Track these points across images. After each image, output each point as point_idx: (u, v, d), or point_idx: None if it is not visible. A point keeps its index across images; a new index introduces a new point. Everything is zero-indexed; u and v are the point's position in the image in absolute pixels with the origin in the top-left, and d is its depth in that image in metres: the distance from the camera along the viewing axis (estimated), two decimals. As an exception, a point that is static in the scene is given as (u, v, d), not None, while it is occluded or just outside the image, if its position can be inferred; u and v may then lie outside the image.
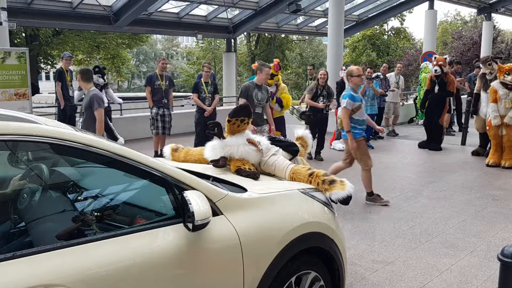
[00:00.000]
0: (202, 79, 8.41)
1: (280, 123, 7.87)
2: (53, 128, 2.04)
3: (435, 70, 9.33)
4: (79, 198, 2.40)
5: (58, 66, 10.27)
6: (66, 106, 8.79)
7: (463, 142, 10.09)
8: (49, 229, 2.09)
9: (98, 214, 2.28)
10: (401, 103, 12.01)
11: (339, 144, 9.61)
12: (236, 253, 2.25)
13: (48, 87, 31.80)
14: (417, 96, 12.62)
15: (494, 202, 5.77)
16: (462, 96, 13.04)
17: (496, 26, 32.66)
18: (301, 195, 2.88)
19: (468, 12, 41.43)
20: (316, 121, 8.34)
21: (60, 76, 8.81)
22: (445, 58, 9.64)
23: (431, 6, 17.87)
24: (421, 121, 12.50)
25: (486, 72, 8.62)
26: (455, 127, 12.58)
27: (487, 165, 7.88)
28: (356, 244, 4.46)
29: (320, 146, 8.59)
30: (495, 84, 7.89)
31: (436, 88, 9.36)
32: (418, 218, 5.28)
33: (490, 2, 20.94)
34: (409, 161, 8.74)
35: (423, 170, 7.93)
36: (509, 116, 7.58)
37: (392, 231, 4.83)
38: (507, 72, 7.70)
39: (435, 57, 9.90)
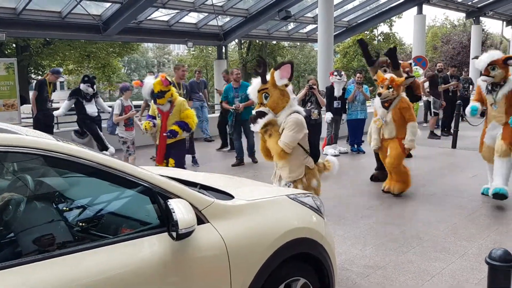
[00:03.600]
0: (174, 79, 8.37)
1: (177, 148, 6.16)
2: (37, 139, 2.03)
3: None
4: (63, 208, 2.38)
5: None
6: (41, 116, 8.79)
7: (454, 145, 10.13)
8: (34, 240, 2.07)
9: (83, 224, 2.27)
10: None
11: (331, 150, 9.60)
12: (223, 261, 2.23)
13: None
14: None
15: (484, 205, 5.78)
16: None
17: (485, 30, 33.07)
18: (290, 201, 2.87)
19: (456, 17, 41.91)
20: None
21: (41, 87, 8.80)
22: (410, 64, 9.29)
23: (420, 11, 18.01)
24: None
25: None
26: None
27: (383, 191, 6.43)
28: (347, 250, 4.45)
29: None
30: (376, 101, 6.39)
31: (403, 94, 9.13)
32: (409, 222, 5.28)
33: (478, 6, 21.16)
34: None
35: (414, 174, 7.92)
36: (408, 140, 6.13)
37: (384, 236, 4.82)
38: (380, 85, 6.13)
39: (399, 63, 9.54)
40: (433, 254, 4.32)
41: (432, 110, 12.11)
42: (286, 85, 4.16)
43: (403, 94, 6.28)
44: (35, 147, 1.93)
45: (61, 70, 11.51)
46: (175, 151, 6.10)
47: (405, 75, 6.84)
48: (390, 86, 6.00)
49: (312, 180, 4.18)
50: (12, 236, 2.09)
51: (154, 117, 6.13)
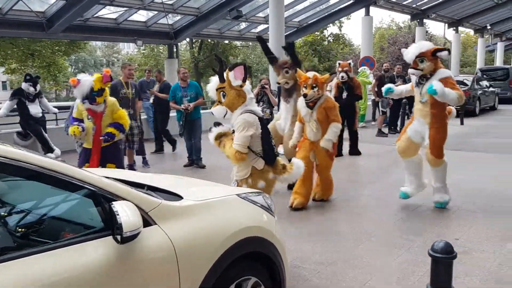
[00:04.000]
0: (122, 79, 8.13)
1: (113, 151, 5.74)
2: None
3: (342, 77, 9.10)
4: (2, 213, 2.27)
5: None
6: None
7: (400, 143, 10.48)
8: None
9: (23, 229, 2.16)
10: None
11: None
12: (171, 263, 2.19)
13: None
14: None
15: (428, 200, 6.00)
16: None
17: (429, 32, 34.47)
18: (240, 200, 2.86)
19: (402, 19, 43.42)
20: None
21: None
22: (349, 63, 9.35)
23: (367, 13, 18.54)
24: (361, 124, 12.89)
25: (281, 82, 6.43)
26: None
27: (292, 208, 5.68)
28: (299, 247, 4.49)
29: None
30: (300, 101, 5.83)
31: (345, 94, 9.16)
32: (358, 218, 5.40)
33: (422, 8, 22.07)
34: (349, 163, 8.95)
35: (363, 171, 8.16)
36: (325, 139, 5.63)
37: (334, 232, 4.91)
38: (304, 85, 5.58)
39: (339, 63, 9.49)
40: (381, 249, 4.44)
41: (380, 108, 12.49)
42: (242, 86, 4.16)
43: (328, 93, 5.92)
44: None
45: None
46: (111, 154, 5.69)
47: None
48: (314, 85, 5.52)
49: (258, 181, 4.15)
50: None
51: (80, 120, 5.57)
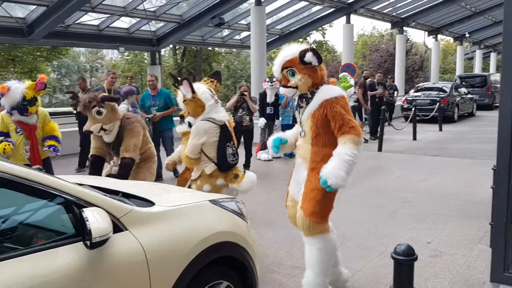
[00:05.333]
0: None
1: (47, 166, 5.18)
2: None
3: None
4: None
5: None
6: None
7: (380, 149, 10.67)
8: None
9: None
10: None
11: (264, 155, 9.81)
12: (142, 268, 2.25)
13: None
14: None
15: (404, 205, 6.15)
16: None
17: (410, 39, 35.03)
18: (212, 206, 2.93)
19: (384, 27, 44.04)
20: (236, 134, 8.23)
21: None
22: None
23: (348, 21, 18.82)
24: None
25: (91, 129, 4.96)
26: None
27: None
28: (275, 252, 4.57)
29: (247, 158, 8.77)
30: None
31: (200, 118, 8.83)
32: (335, 222, 5.43)
33: (402, 16, 22.46)
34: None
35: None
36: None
37: (310, 237, 4.99)
38: None
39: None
40: (355, 253, 4.54)
41: (363, 115, 12.67)
42: (194, 97, 4.23)
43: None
44: None
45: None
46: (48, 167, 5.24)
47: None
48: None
49: (204, 185, 4.22)
50: None
51: (5, 134, 4.95)
